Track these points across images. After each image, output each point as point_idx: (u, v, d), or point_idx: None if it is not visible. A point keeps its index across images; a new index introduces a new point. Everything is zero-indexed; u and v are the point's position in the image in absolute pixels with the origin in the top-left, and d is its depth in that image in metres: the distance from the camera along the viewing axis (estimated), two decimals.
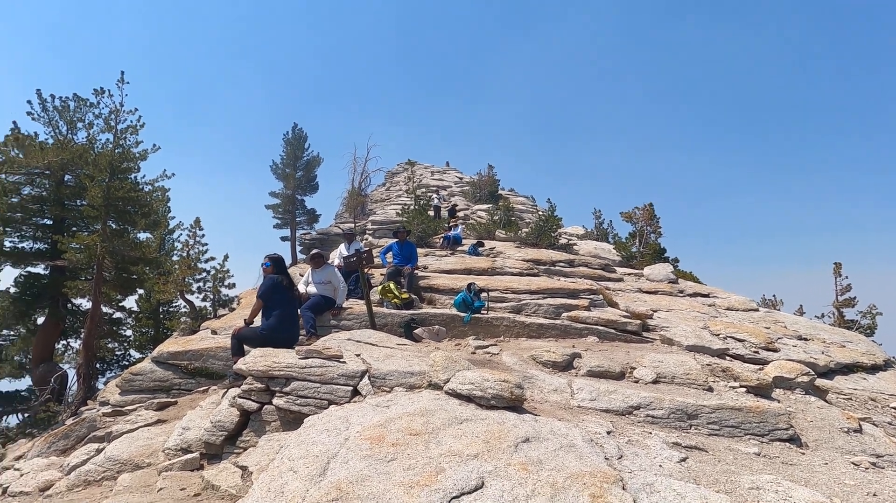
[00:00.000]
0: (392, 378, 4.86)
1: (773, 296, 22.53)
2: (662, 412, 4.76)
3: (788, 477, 3.79)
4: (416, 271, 10.52)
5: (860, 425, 5.40)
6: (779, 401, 5.46)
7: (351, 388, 4.73)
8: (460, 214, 23.43)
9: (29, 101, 15.94)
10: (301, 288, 7.98)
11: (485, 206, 25.72)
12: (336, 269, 8.07)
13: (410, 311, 7.95)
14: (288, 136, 30.68)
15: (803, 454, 4.50)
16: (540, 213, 20.10)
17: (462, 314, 7.92)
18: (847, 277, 18.26)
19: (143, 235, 20.40)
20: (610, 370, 5.67)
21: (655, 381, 5.52)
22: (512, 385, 4.25)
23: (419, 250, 15.54)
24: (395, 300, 8.10)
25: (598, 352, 6.57)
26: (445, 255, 14.27)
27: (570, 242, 18.94)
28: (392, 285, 8.33)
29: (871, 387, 8.24)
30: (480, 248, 15.32)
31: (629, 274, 15.81)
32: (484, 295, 8.48)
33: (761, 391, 5.53)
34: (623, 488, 2.86)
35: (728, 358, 7.66)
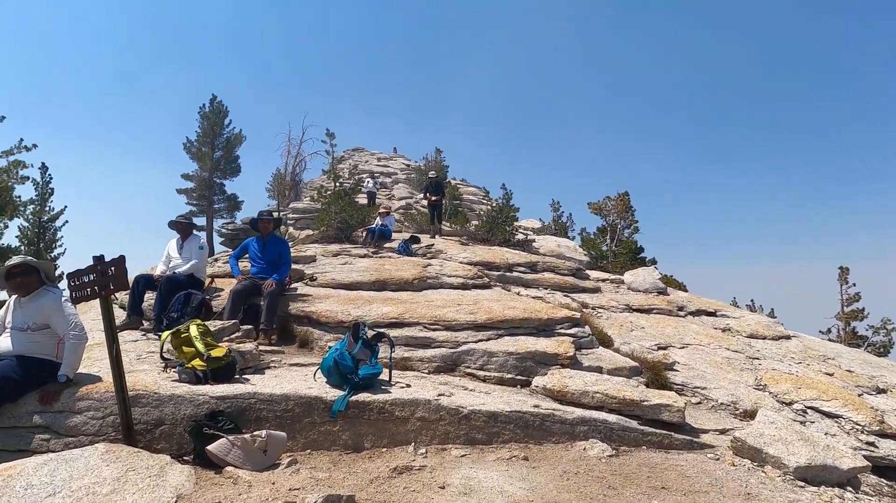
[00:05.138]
0: None
1: (752, 300, 19.33)
2: None
3: None
4: (287, 286, 6.18)
5: None
6: None
7: None
8: (397, 203, 19.06)
9: None
10: None
11: None
12: (66, 299, 3.63)
13: (223, 390, 3.60)
14: (205, 109, 25.41)
15: None
16: (494, 202, 16.02)
17: (333, 393, 3.67)
18: (855, 285, 14.99)
19: None
20: None
21: None
22: None
23: (332, 247, 11.15)
24: (197, 363, 3.74)
25: None
26: (363, 256, 9.95)
27: (528, 238, 14.97)
28: (195, 329, 3.93)
29: None
30: (414, 246, 11.06)
31: (605, 280, 11.91)
32: (384, 343, 4.24)
33: None
34: None
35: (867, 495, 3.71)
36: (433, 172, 14.21)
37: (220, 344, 4.03)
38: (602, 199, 15.50)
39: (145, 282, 5.83)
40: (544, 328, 5.71)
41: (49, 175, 21.62)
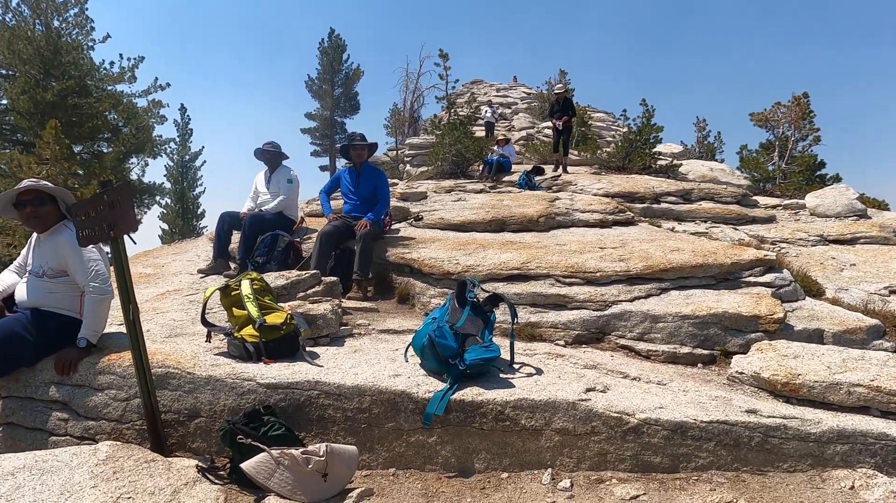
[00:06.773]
0: None
1: None
2: None
3: None
4: (387, 228, 5.12)
5: None
6: None
7: None
8: (518, 135, 17.25)
9: None
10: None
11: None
12: (77, 249, 2.75)
13: (276, 374, 2.59)
14: (324, 44, 25.01)
15: None
16: (630, 125, 13.67)
17: (428, 385, 2.52)
18: None
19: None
20: None
21: None
22: None
23: (446, 183, 9.98)
24: (247, 332, 2.78)
25: None
26: (479, 191, 8.67)
27: (674, 164, 12.58)
28: (247, 286, 2.92)
29: None
30: (537, 179, 9.53)
31: (777, 206, 9.55)
32: (502, 311, 2.96)
33: None
34: None
35: None
36: (560, 86, 12.09)
37: (281, 305, 3.02)
38: (770, 107, 12.43)
39: (230, 220, 5.07)
40: (727, 277, 4.05)
41: (188, 116, 22.63)
